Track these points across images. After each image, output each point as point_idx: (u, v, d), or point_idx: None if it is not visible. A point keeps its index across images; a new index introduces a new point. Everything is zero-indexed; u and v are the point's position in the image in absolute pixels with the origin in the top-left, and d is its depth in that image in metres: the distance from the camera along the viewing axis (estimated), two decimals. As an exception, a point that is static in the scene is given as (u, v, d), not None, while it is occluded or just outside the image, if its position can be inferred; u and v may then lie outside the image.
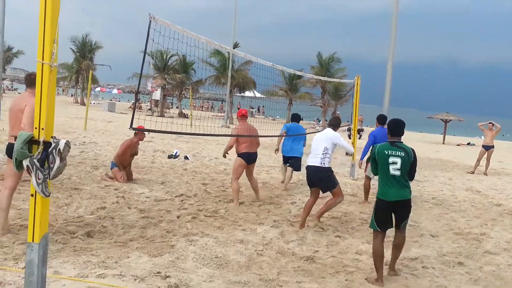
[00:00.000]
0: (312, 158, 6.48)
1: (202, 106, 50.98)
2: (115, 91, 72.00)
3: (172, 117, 29.48)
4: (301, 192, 9.02)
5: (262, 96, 35.92)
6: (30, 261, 3.26)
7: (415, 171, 4.82)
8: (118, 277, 4.18)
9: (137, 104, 33.02)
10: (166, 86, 37.54)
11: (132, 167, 9.12)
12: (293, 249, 5.60)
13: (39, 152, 3.22)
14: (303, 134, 9.70)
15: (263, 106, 47.60)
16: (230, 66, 32.38)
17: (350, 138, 17.36)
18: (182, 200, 7.64)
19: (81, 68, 42.20)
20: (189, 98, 31.93)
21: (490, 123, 15.24)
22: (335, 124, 6.84)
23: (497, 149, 15.94)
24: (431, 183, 11.78)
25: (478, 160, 14.69)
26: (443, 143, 30.55)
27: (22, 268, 3.85)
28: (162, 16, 4.98)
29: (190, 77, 38.44)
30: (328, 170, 6.44)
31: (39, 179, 3.21)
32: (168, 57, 36.90)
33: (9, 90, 51.81)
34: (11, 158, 4.41)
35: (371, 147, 8.89)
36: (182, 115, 35.79)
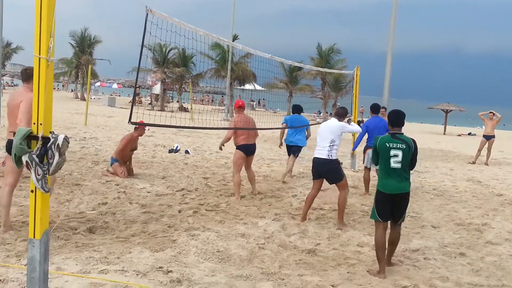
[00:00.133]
0: (319, 150, 6.44)
1: (203, 100, 50.78)
2: (115, 85, 71.91)
3: (173, 111, 29.43)
4: (302, 185, 9.01)
5: (262, 88, 35.77)
6: (32, 257, 3.26)
7: (416, 161, 4.83)
8: (121, 273, 4.20)
9: (137, 98, 32.90)
10: (166, 80, 37.39)
11: (133, 162, 9.12)
12: (295, 242, 5.61)
13: (38, 148, 3.21)
14: (306, 126, 9.70)
15: (263, 99, 47.42)
16: (229, 58, 32.21)
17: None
18: (183, 195, 7.64)
19: (80, 63, 41.98)
20: (189, 92, 31.81)
21: (490, 112, 15.18)
22: (341, 113, 6.77)
23: (498, 138, 15.92)
24: (432, 174, 11.77)
25: (479, 150, 14.66)
26: (444, 134, 30.51)
27: (25, 265, 3.86)
28: (160, 8, 4.93)
29: (190, 71, 38.24)
30: (336, 162, 6.42)
31: (38, 175, 3.20)
32: (167, 50, 36.66)
33: (9, 86, 51.66)
34: (11, 155, 4.41)
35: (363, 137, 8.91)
36: (182, 109, 35.69)
